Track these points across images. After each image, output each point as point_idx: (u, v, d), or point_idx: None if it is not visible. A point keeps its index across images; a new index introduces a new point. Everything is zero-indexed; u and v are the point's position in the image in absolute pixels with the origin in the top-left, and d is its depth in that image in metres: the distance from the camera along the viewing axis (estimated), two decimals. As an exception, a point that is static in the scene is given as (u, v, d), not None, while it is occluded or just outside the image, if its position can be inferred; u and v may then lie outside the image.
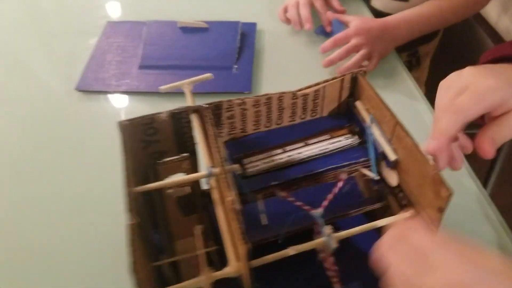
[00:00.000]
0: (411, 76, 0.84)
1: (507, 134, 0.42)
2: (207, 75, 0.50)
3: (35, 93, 0.80)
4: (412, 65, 1.08)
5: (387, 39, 0.82)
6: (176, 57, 0.82)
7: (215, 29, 0.88)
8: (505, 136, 0.42)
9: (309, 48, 0.87)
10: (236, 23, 0.89)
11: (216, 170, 0.43)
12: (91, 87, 0.79)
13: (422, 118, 0.76)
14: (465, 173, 0.67)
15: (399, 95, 0.79)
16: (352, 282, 0.50)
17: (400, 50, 0.89)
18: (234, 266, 0.42)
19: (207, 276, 0.42)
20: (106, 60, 0.84)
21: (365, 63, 0.82)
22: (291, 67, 0.84)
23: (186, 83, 0.50)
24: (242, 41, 0.87)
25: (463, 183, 0.66)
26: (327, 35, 0.86)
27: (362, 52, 0.80)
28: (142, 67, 0.81)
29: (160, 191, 0.53)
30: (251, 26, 0.91)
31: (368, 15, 0.97)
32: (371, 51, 0.81)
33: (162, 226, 0.52)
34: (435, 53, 1.13)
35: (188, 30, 0.87)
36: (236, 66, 0.82)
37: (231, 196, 0.40)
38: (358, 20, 0.82)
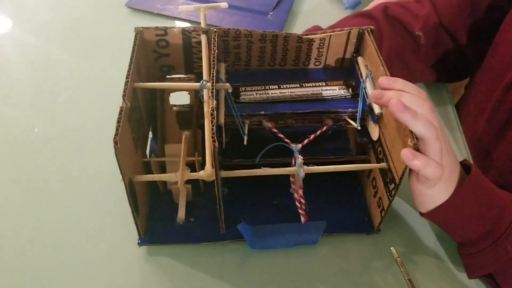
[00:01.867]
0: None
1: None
2: (223, 3, 0.54)
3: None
4: None
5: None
6: (219, -5, 0.88)
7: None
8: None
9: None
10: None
11: (208, 84, 0.48)
12: (138, 5, 0.87)
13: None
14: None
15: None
16: (316, 218, 0.54)
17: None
18: (208, 171, 0.47)
19: (182, 173, 0.47)
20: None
21: None
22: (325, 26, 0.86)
23: (202, 7, 0.54)
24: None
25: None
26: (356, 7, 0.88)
27: None
28: (187, -2, 0.88)
29: (163, 104, 0.59)
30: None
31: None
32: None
33: (158, 131, 0.57)
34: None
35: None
36: (271, 13, 0.87)
37: (213, 104, 0.44)
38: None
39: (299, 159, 0.49)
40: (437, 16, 0.66)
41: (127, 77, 0.46)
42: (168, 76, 0.58)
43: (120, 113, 0.42)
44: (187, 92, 0.58)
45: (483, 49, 0.67)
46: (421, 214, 0.52)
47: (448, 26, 0.66)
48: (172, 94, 0.58)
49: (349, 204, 0.58)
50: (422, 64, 0.69)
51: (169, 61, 0.56)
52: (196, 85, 0.49)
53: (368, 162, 0.56)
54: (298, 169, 0.49)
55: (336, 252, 0.55)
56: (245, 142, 0.51)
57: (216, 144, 0.41)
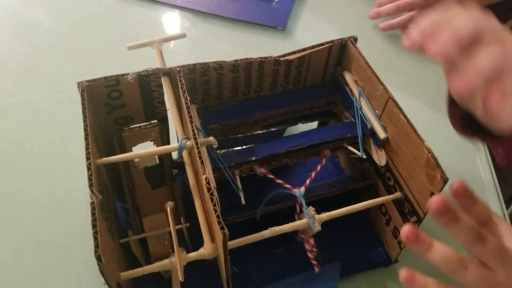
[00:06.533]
0: None
1: None
2: (181, 34, 0.44)
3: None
4: None
5: None
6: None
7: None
8: None
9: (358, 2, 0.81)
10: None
11: (189, 142, 0.39)
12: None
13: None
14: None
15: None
16: (328, 262, 0.48)
17: None
18: (209, 248, 0.38)
19: (180, 257, 0.38)
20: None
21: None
22: (333, 15, 0.79)
23: (156, 42, 0.44)
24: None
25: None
26: None
27: (413, 12, 0.71)
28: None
29: (125, 164, 0.48)
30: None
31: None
32: None
33: (129, 200, 0.47)
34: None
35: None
36: (276, 0, 0.78)
37: (206, 174, 0.35)
38: None
39: (310, 211, 0.42)
40: None
41: (87, 158, 0.35)
42: (125, 128, 0.48)
43: (93, 213, 0.32)
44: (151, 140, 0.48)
45: None
46: None
47: None
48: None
49: (358, 236, 0.52)
50: None
51: (126, 111, 0.46)
52: (173, 147, 0.39)
53: (375, 188, 0.50)
54: (311, 221, 0.42)
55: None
56: (243, 201, 0.42)
57: (226, 231, 0.33)
